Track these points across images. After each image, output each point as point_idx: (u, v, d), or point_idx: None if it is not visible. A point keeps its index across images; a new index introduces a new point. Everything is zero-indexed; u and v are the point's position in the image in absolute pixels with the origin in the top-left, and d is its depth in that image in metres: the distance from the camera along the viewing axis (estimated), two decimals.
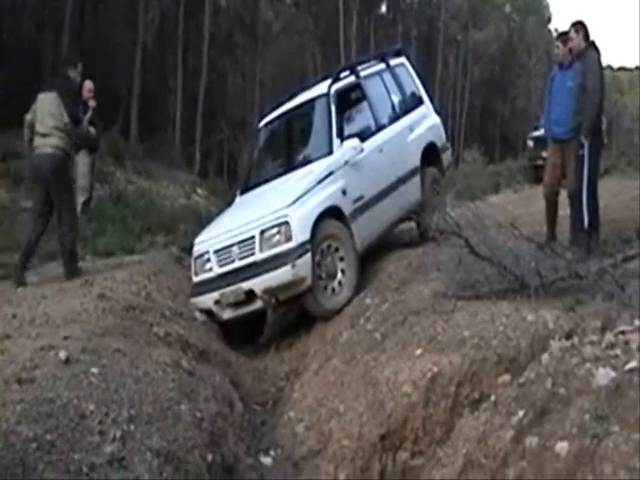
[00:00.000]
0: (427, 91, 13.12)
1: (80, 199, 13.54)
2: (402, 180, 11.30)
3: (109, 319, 8.04)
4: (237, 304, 9.70)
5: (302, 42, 57.50)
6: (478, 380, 6.12)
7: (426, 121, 12.52)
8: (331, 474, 6.59)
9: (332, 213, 9.84)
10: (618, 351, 5.15)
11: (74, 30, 36.47)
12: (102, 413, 5.82)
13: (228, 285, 9.63)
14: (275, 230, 9.42)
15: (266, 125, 12.35)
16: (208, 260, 10.00)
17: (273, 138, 12.62)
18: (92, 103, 13.19)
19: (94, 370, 6.39)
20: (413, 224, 11.95)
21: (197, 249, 10.25)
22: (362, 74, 11.67)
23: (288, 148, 12.30)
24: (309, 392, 8.17)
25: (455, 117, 65.51)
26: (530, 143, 24.21)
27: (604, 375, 4.84)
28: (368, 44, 59.15)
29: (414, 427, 6.26)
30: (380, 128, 11.47)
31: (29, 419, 5.35)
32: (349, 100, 11.45)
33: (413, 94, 12.71)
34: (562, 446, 4.54)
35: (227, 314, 9.83)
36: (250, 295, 9.54)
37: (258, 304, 9.61)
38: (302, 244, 9.31)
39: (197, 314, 9.83)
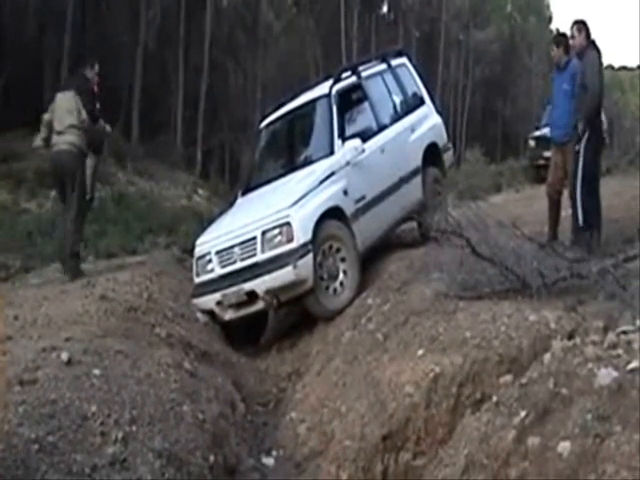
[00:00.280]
0: (428, 91, 13.11)
1: None
2: (403, 180, 11.29)
3: (111, 320, 8.04)
4: (239, 305, 9.71)
5: (303, 43, 57.51)
6: (480, 380, 6.11)
7: (427, 121, 12.51)
8: (333, 475, 6.58)
9: (334, 214, 9.85)
10: (620, 351, 5.14)
11: (76, 31, 36.52)
12: (104, 414, 5.83)
13: (230, 286, 9.63)
14: (277, 231, 9.43)
15: (268, 126, 12.35)
16: (210, 261, 10.00)
17: (275, 139, 12.62)
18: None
19: (96, 371, 6.40)
20: (414, 224, 11.94)
21: (199, 250, 10.25)
22: (363, 75, 11.67)
23: (289, 149, 12.30)
24: (311, 393, 8.17)
25: (456, 117, 65.53)
26: (531, 143, 24.20)
27: (606, 375, 4.83)
28: (369, 45, 59.19)
29: (416, 427, 6.25)
30: (381, 128, 11.47)
31: (31, 420, 5.37)
32: (350, 101, 11.44)
33: (414, 94, 12.70)
34: (564, 446, 4.53)
35: (229, 315, 9.84)
36: (252, 296, 9.55)
37: (260, 305, 9.62)
38: (304, 245, 9.32)
39: (199, 315, 9.84)
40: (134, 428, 5.88)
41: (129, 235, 15.35)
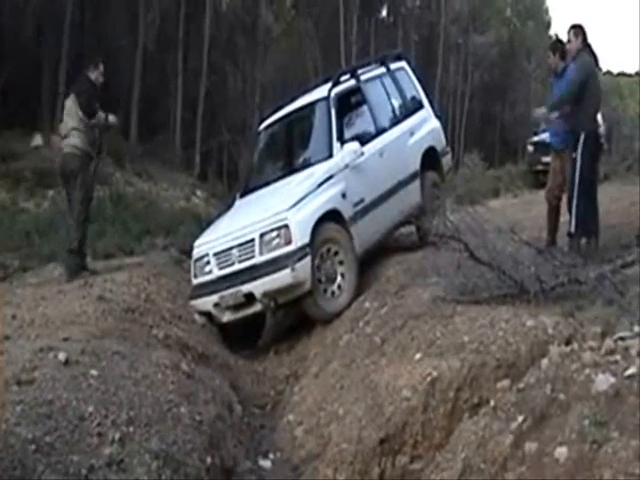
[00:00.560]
0: (427, 95, 13.13)
1: None
2: (402, 184, 11.30)
3: (108, 321, 8.05)
4: (236, 307, 9.73)
5: (302, 46, 57.45)
6: (477, 385, 6.12)
7: (426, 125, 12.52)
8: (330, 478, 6.57)
9: (332, 216, 9.86)
10: (618, 357, 5.15)
11: (75, 32, 36.46)
12: (101, 415, 5.83)
13: (228, 288, 9.64)
14: (275, 233, 9.44)
15: (266, 128, 12.37)
16: (208, 262, 10.02)
17: (273, 141, 12.64)
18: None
19: (93, 372, 6.41)
20: (413, 228, 11.95)
21: (197, 251, 10.26)
22: (362, 78, 11.69)
23: (288, 151, 12.31)
24: (308, 395, 8.18)
25: (455, 121, 65.47)
26: (530, 148, 24.24)
27: (603, 381, 4.84)
28: (368, 48, 59.12)
29: (413, 431, 6.25)
30: (380, 132, 11.48)
31: (28, 420, 5.36)
32: (349, 104, 11.46)
33: (413, 98, 12.71)
34: (561, 452, 4.54)
35: (226, 317, 9.85)
36: (249, 298, 9.56)
37: (257, 307, 9.63)
38: (302, 247, 9.33)
39: (196, 316, 9.85)
40: (131, 429, 5.88)
41: (127, 236, 15.34)
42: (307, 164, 10.88)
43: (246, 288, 9.50)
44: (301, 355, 9.53)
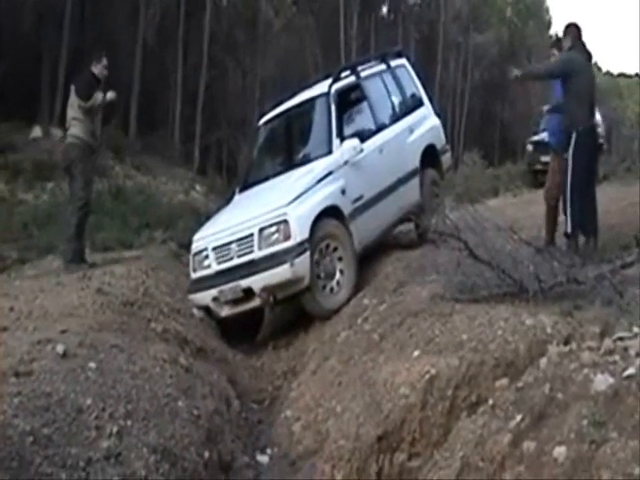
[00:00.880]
0: (427, 93, 13.12)
1: None
2: (401, 181, 11.30)
3: (107, 314, 8.04)
4: (235, 301, 9.73)
5: (302, 41, 57.44)
6: (476, 383, 6.10)
7: (426, 123, 12.52)
8: (328, 474, 6.57)
9: (331, 213, 9.86)
10: (616, 357, 5.14)
11: (74, 25, 36.48)
12: (99, 408, 5.82)
13: (226, 282, 9.65)
14: (274, 228, 9.44)
15: (266, 123, 12.36)
16: (206, 257, 10.02)
17: (273, 136, 12.64)
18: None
19: (91, 365, 6.39)
20: (412, 225, 11.95)
21: (196, 246, 10.26)
22: (362, 74, 11.70)
23: (288, 147, 12.31)
24: (306, 391, 8.16)
25: (455, 120, 65.55)
26: (529, 147, 24.23)
27: (602, 381, 4.83)
28: (368, 45, 59.17)
29: (411, 429, 6.23)
30: (380, 129, 11.48)
31: (26, 412, 5.35)
32: (349, 100, 11.46)
33: (413, 95, 12.71)
34: (560, 451, 4.53)
35: (225, 311, 9.85)
36: (248, 293, 9.56)
37: (256, 302, 9.63)
38: (301, 243, 9.33)
39: (195, 311, 9.84)
40: (129, 422, 5.88)
41: (126, 229, 15.32)
42: (307, 160, 10.88)
43: (245, 283, 9.50)
44: (299, 351, 9.52)
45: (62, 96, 29.94)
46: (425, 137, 12.23)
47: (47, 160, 24.78)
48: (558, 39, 10.49)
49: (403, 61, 12.96)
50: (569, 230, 9.20)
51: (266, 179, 11.12)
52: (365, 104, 11.58)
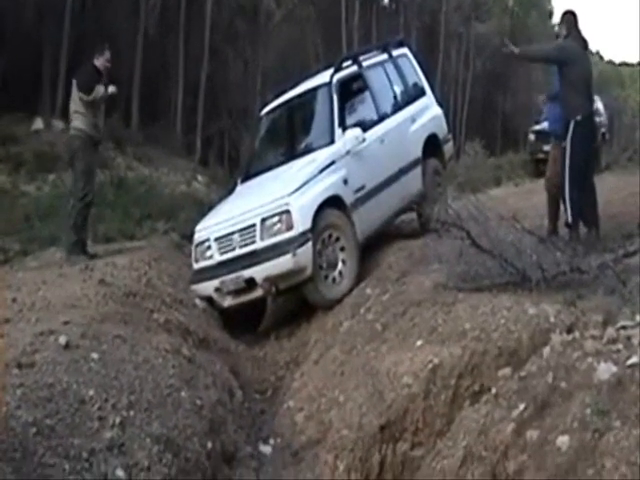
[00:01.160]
0: (429, 82, 13.09)
1: None
2: (403, 171, 11.29)
3: (109, 305, 8.02)
4: (237, 292, 9.72)
5: (304, 31, 57.37)
6: (479, 372, 6.10)
7: (428, 112, 12.50)
8: (330, 464, 6.58)
9: (333, 203, 9.85)
10: (620, 346, 5.15)
11: (75, 17, 36.45)
12: (102, 399, 5.82)
13: (229, 273, 9.64)
14: (276, 218, 9.43)
15: (268, 113, 12.35)
16: (209, 247, 10.01)
17: (275, 126, 12.62)
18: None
19: (94, 356, 6.39)
20: (414, 215, 11.94)
21: (198, 236, 10.25)
22: (364, 64, 11.68)
23: (290, 137, 12.29)
24: (309, 381, 8.17)
25: (456, 109, 65.45)
26: (531, 137, 24.24)
27: (605, 370, 4.84)
28: (370, 34, 59.07)
29: (414, 418, 6.24)
30: (382, 118, 11.46)
31: (29, 403, 5.35)
32: (351, 90, 11.44)
33: (415, 85, 12.69)
34: (563, 440, 4.54)
35: (227, 302, 9.84)
36: (250, 283, 9.55)
37: (258, 292, 9.62)
38: (303, 233, 9.32)
39: (197, 301, 9.82)
40: (132, 413, 5.87)
41: (128, 220, 15.30)
42: (309, 150, 10.86)
43: (247, 273, 9.50)
44: (302, 341, 9.52)
45: (63, 88, 29.95)
46: (427, 127, 12.20)
47: (49, 152, 24.79)
48: None
49: (405, 51, 12.93)
50: (569, 220, 9.18)
51: (268, 169, 11.10)
52: (367, 94, 11.56)
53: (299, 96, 11.69)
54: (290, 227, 9.34)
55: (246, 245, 9.61)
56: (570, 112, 9.24)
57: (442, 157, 12.49)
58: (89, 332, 6.83)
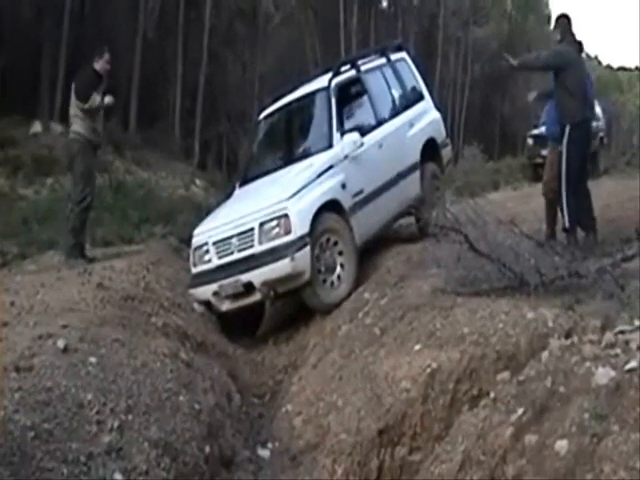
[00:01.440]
0: (427, 86, 13.10)
1: None
2: (402, 175, 11.28)
3: (107, 309, 8.02)
4: (235, 296, 9.71)
5: (302, 35, 57.38)
6: (477, 377, 6.11)
7: (426, 116, 12.50)
8: (329, 468, 6.58)
9: (331, 207, 9.85)
10: (618, 350, 5.15)
11: (74, 19, 36.46)
12: (100, 403, 5.81)
13: (227, 277, 9.64)
14: (274, 223, 9.42)
15: (266, 117, 12.34)
16: (207, 251, 10.00)
17: (273, 130, 12.62)
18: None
19: (92, 359, 6.38)
20: (412, 219, 11.94)
21: (196, 240, 10.24)
22: (363, 68, 11.67)
23: (288, 141, 12.31)
24: (307, 385, 8.17)
25: (455, 114, 65.50)
26: (529, 141, 24.23)
27: (604, 374, 4.84)
28: (368, 39, 59.10)
29: (412, 423, 6.25)
30: (380, 123, 11.46)
31: (27, 407, 5.34)
32: (349, 94, 11.43)
33: (413, 89, 12.69)
34: (561, 445, 4.54)
35: (225, 306, 9.83)
36: (249, 287, 9.54)
37: (257, 296, 9.62)
38: (301, 237, 9.32)
39: (195, 305, 9.83)
40: (130, 417, 5.87)
41: (126, 224, 15.31)
42: (307, 154, 10.86)
43: (245, 277, 9.49)
44: (300, 345, 9.52)
45: (62, 91, 29.98)
46: (425, 131, 12.20)
47: (47, 155, 24.81)
48: None
49: (403, 55, 12.93)
50: (567, 224, 9.20)
51: (266, 173, 11.10)
52: (365, 98, 11.56)
53: (297, 100, 11.69)
54: (288, 231, 9.33)
55: (244, 249, 9.60)
56: (566, 116, 9.27)
57: (440, 161, 12.48)
58: (87, 336, 6.83)
